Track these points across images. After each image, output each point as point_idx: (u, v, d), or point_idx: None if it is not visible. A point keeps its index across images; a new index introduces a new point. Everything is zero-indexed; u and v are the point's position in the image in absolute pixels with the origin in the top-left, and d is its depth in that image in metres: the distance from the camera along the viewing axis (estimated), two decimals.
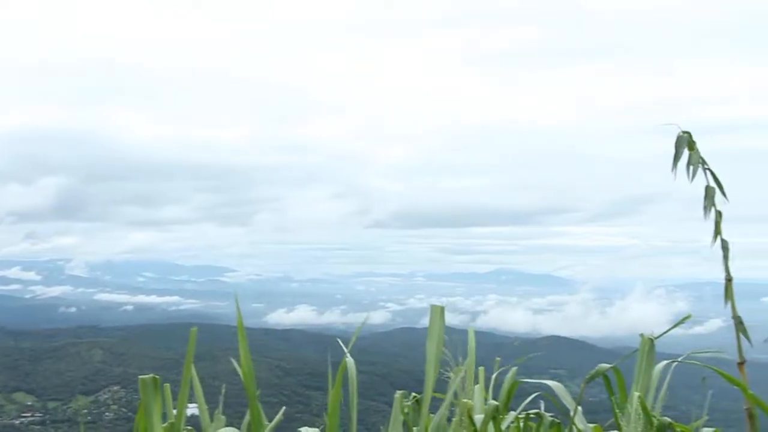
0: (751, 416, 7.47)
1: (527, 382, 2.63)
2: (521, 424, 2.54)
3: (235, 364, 2.44)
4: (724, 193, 6.57)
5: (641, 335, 2.27)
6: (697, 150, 6.81)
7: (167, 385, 2.43)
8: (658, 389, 2.48)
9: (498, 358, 2.79)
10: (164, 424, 2.31)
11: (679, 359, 2.30)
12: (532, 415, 2.64)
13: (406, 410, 2.46)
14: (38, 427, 74.28)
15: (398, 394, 2.58)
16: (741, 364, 7.51)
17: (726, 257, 7.34)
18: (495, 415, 2.21)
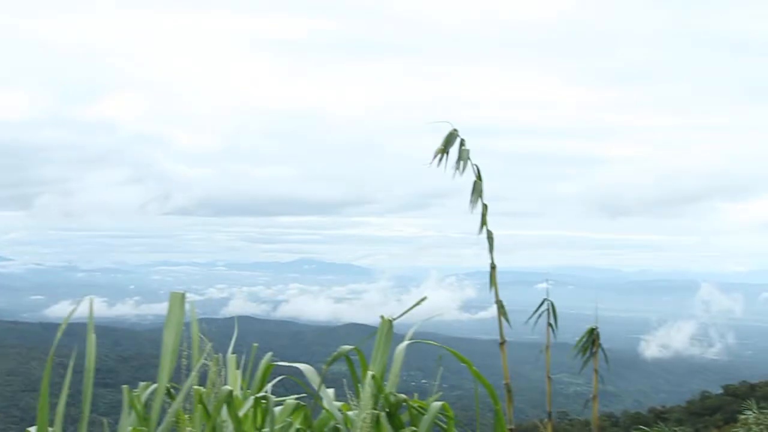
0: (509, 390, 8.09)
1: (282, 366, 2.59)
2: (271, 408, 2.50)
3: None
4: (481, 191, 7.05)
5: (381, 317, 2.33)
6: (467, 147, 7.25)
7: None
8: (422, 368, 2.55)
9: (255, 344, 2.72)
10: None
11: (409, 341, 2.38)
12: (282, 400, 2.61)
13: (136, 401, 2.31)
14: None
15: (141, 385, 2.42)
16: (502, 344, 8.16)
17: (491, 247, 7.94)
18: (229, 401, 2.14)
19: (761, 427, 10.32)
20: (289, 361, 2.75)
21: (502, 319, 7.77)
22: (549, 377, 9.61)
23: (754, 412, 10.90)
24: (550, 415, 9.80)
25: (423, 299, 2.54)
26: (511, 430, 8.17)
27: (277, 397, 2.60)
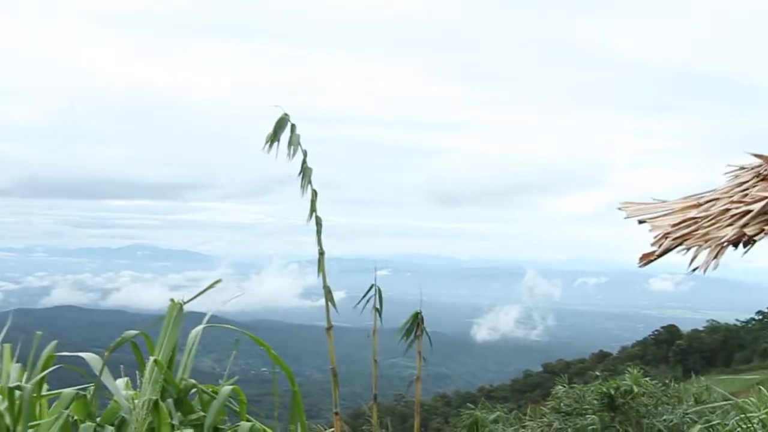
0: (334, 374, 8.10)
1: (66, 356, 2.38)
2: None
3: None
4: (310, 177, 6.96)
5: (171, 300, 2.20)
6: (298, 133, 7.12)
7: None
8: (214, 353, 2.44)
9: (39, 332, 2.48)
10: None
11: (205, 324, 2.29)
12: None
13: None
14: None
15: None
16: (329, 329, 8.17)
17: (319, 233, 7.90)
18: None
19: (570, 399, 11.18)
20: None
21: (329, 304, 7.78)
22: (375, 360, 9.76)
23: (563, 387, 11.79)
24: (375, 397, 9.98)
25: (218, 281, 2.46)
26: (336, 413, 8.24)
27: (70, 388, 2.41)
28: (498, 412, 11.59)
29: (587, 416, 10.44)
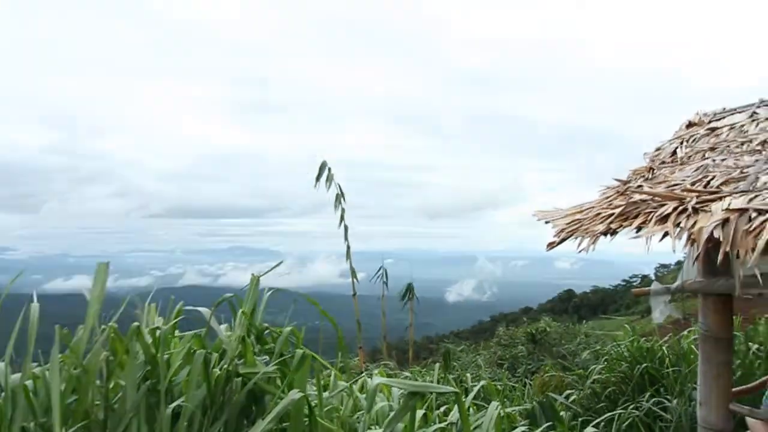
0: (358, 323, 7.94)
1: (189, 310, 2.38)
2: None
3: None
4: (342, 200, 7.04)
5: (252, 274, 2.19)
6: (332, 173, 7.12)
7: None
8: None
9: (172, 297, 2.46)
10: None
11: (271, 290, 2.27)
12: None
13: None
14: None
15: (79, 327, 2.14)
16: (354, 295, 8.03)
17: (346, 235, 7.82)
18: (138, 332, 1.94)
19: (506, 336, 11.05)
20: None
21: (354, 280, 7.73)
22: (384, 313, 9.67)
23: (503, 329, 11.69)
24: (384, 337, 9.87)
25: (280, 262, 2.44)
26: (360, 347, 8.14)
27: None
28: (462, 346, 11.53)
29: (518, 347, 10.33)
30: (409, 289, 9.68)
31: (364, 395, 2.46)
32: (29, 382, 1.84)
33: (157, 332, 1.99)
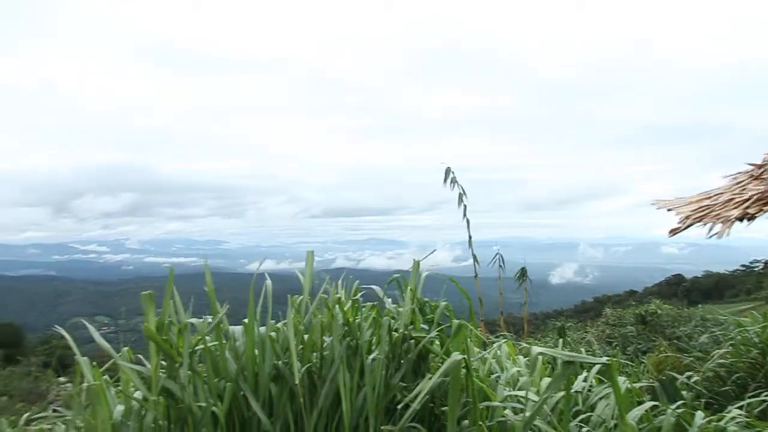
0: (480, 300, 7.81)
1: (363, 288, 2.59)
2: None
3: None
4: (463, 198, 7.02)
5: (414, 260, 2.31)
6: (455, 176, 7.18)
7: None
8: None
9: (357, 282, 2.67)
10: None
11: (427, 273, 2.35)
12: None
13: None
14: (112, 335, 66.00)
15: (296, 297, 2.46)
16: (476, 277, 7.89)
17: (468, 226, 7.75)
18: (339, 302, 2.19)
19: (614, 317, 9.84)
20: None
21: (475, 264, 7.61)
22: (501, 293, 9.32)
23: (609, 309, 10.45)
24: (501, 313, 9.50)
25: (434, 251, 2.52)
26: (482, 320, 7.98)
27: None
28: (570, 323, 10.57)
29: (627, 327, 9.06)
30: (523, 272, 9.24)
31: (495, 360, 2.53)
32: (273, 333, 2.23)
33: (348, 302, 2.23)
